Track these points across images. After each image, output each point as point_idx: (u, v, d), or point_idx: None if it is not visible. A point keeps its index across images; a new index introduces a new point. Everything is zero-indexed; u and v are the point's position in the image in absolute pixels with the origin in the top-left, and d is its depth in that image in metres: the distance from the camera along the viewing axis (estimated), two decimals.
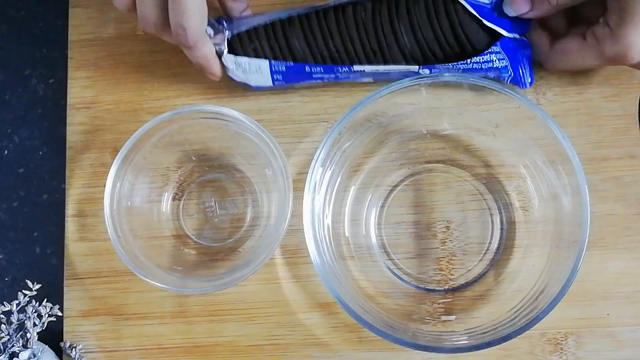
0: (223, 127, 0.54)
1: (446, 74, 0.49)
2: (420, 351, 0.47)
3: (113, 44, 0.59)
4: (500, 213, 0.54)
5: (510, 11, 0.50)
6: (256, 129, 0.51)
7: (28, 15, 0.62)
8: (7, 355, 0.51)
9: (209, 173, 0.57)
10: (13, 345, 0.51)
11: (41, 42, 0.61)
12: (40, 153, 0.59)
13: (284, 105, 0.57)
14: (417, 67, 0.51)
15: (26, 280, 0.54)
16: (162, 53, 0.57)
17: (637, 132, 0.53)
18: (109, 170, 0.52)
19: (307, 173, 0.49)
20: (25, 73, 0.61)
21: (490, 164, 0.54)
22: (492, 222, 0.54)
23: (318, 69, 0.52)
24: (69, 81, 0.59)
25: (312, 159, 0.49)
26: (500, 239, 0.54)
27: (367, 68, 0.51)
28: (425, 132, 0.55)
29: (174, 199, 0.57)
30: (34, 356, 0.51)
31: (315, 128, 0.56)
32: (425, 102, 0.51)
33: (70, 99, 0.58)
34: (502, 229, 0.54)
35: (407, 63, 0.51)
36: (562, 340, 0.52)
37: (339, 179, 0.54)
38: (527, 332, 0.46)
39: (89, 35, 0.60)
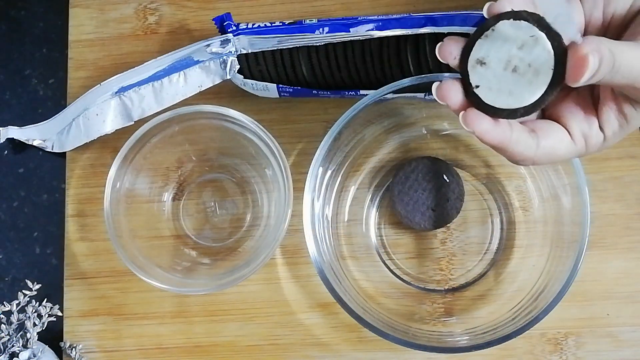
0: (223, 127, 0.54)
1: (446, 74, 0.49)
2: (420, 351, 0.47)
3: (113, 44, 0.59)
4: (500, 213, 0.54)
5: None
6: (256, 129, 0.51)
7: (28, 15, 0.62)
8: (7, 355, 0.51)
9: (209, 173, 0.57)
10: (13, 345, 0.51)
11: (41, 42, 0.61)
12: (40, 153, 0.59)
13: (284, 105, 0.57)
14: (423, 94, 0.51)
15: (26, 280, 0.54)
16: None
17: (637, 132, 0.53)
18: (109, 170, 0.52)
19: (307, 173, 0.49)
20: (25, 73, 0.61)
21: (490, 164, 0.54)
22: (492, 222, 0.54)
23: (325, 92, 0.53)
24: (69, 81, 0.59)
25: (312, 159, 0.49)
26: (500, 239, 0.54)
27: (374, 92, 0.51)
28: (425, 132, 0.55)
29: (174, 199, 0.57)
30: (34, 356, 0.51)
31: (315, 128, 0.56)
32: (425, 103, 0.51)
33: (70, 99, 0.58)
34: (502, 229, 0.54)
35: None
36: (562, 340, 0.52)
37: (339, 179, 0.54)
38: (527, 332, 0.45)
39: (89, 35, 0.60)
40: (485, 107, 0.35)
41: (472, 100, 0.35)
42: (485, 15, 0.36)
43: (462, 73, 0.36)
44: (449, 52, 0.37)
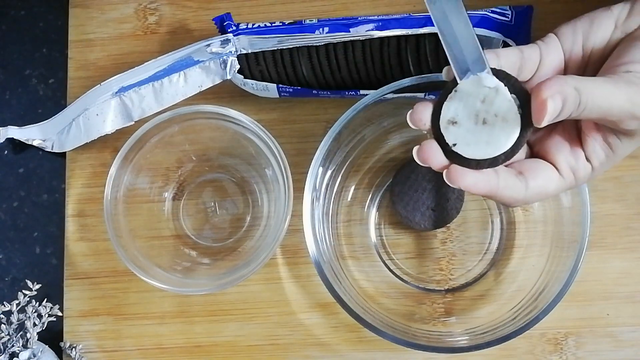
0: (223, 127, 0.54)
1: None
2: (420, 351, 0.47)
3: (113, 44, 0.59)
4: (500, 213, 0.54)
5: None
6: (256, 128, 0.51)
7: (28, 15, 0.62)
8: (7, 355, 0.51)
9: (209, 173, 0.57)
10: (13, 345, 0.51)
11: (41, 42, 0.61)
12: (40, 153, 0.59)
13: (284, 105, 0.57)
14: (423, 94, 0.51)
15: (26, 280, 0.54)
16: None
17: None
18: (109, 170, 0.52)
19: (307, 173, 0.49)
20: (25, 73, 0.61)
21: None
22: (492, 222, 0.54)
23: (325, 92, 0.53)
24: (69, 81, 0.59)
25: (312, 159, 0.49)
26: (500, 239, 0.54)
27: (374, 92, 0.51)
28: (426, 132, 0.55)
29: (174, 199, 0.57)
30: (34, 356, 0.51)
31: (315, 128, 0.56)
32: None
33: (70, 99, 0.58)
34: (502, 229, 0.54)
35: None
36: (562, 340, 0.52)
37: (339, 179, 0.54)
38: (527, 332, 0.46)
39: (89, 35, 0.60)
40: (467, 161, 0.36)
41: (453, 157, 0.36)
42: (445, 79, 0.37)
43: (436, 136, 0.37)
44: (418, 119, 0.38)
